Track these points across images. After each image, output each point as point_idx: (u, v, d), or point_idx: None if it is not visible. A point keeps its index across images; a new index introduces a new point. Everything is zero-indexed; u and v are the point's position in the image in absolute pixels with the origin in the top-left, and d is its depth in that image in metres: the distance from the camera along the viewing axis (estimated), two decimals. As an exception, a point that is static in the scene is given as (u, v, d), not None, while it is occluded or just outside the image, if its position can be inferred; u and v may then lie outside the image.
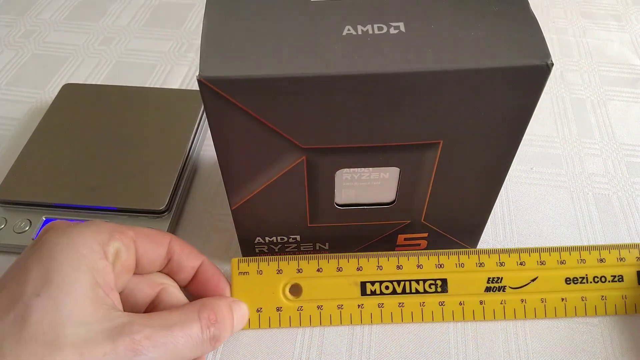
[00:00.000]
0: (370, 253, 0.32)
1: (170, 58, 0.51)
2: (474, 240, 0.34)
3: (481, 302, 0.32)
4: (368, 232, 0.33)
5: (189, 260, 0.30)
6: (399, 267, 0.32)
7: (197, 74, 0.22)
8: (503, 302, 0.32)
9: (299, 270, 0.32)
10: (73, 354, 0.22)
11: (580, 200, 0.39)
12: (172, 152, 0.38)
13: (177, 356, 0.25)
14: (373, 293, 0.32)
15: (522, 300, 0.32)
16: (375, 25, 0.24)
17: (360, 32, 0.23)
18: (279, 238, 0.33)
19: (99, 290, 0.24)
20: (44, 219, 0.36)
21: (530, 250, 0.32)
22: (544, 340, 0.31)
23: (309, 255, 0.32)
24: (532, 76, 0.23)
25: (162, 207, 0.35)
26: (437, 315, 0.31)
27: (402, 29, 0.24)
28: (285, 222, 0.31)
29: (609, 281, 0.32)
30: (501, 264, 0.32)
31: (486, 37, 0.23)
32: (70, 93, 0.43)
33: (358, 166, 0.28)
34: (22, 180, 0.36)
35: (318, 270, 0.32)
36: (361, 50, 0.23)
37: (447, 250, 0.32)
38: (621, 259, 0.32)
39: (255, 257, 0.32)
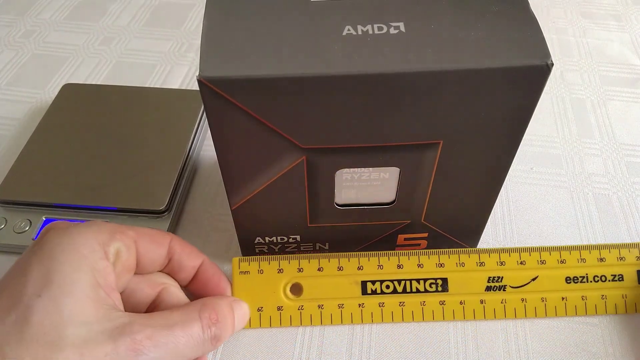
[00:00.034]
0: (371, 252, 0.32)
1: (170, 58, 0.51)
2: (474, 240, 0.34)
3: (482, 302, 0.32)
4: (368, 232, 0.33)
5: (190, 259, 0.30)
6: (399, 266, 0.32)
7: (197, 74, 0.22)
8: (503, 301, 0.32)
9: (300, 270, 0.32)
10: (74, 354, 0.22)
11: (580, 200, 0.39)
12: (172, 152, 0.38)
13: (178, 356, 0.25)
14: (374, 292, 0.32)
15: (522, 300, 0.32)
16: (375, 25, 0.24)
17: (360, 32, 0.23)
18: (279, 238, 0.33)
19: (99, 290, 0.24)
20: (44, 219, 0.36)
21: (530, 250, 0.32)
22: (544, 340, 0.31)
23: (310, 254, 0.32)
24: (532, 76, 0.23)
25: (162, 207, 0.35)
26: (437, 315, 0.32)
27: (402, 29, 0.24)
28: (285, 222, 0.31)
29: (609, 280, 0.32)
30: (501, 263, 0.32)
31: (486, 37, 0.23)
32: (70, 93, 0.43)
33: (358, 166, 0.28)
34: (22, 180, 0.36)
35: (319, 269, 0.32)
36: (361, 50, 0.23)
37: (447, 250, 0.32)
38: (621, 258, 0.32)
39: (256, 257, 0.32)
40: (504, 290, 0.32)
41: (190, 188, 0.40)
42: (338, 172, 0.28)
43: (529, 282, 0.32)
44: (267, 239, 0.33)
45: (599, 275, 0.32)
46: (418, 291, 0.32)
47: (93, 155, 0.38)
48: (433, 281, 0.32)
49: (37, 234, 0.35)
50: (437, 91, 0.23)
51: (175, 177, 0.37)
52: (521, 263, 0.32)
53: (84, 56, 0.51)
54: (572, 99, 0.46)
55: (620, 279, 0.32)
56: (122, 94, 0.42)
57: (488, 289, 0.32)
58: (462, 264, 0.32)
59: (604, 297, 0.32)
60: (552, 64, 0.22)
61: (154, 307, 0.28)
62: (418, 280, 0.32)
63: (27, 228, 0.35)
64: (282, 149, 0.26)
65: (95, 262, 0.24)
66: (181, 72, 0.49)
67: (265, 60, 0.23)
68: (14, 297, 0.23)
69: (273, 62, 0.22)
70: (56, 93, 0.44)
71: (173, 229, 0.37)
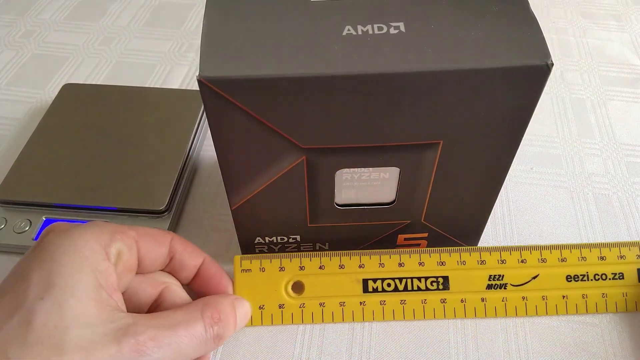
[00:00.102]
0: (372, 251, 0.32)
1: (170, 58, 0.51)
2: (474, 240, 0.34)
3: (482, 300, 0.32)
4: (368, 232, 0.33)
5: (191, 258, 0.30)
6: (400, 264, 0.32)
7: (197, 74, 0.22)
8: (504, 299, 0.32)
9: (301, 268, 0.32)
10: (78, 356, 0.22)
11: (580, 200, 0.39)
12: (172, 152, 0.38)
13: (182, 355, 0.25)
14: (375, 290, 0.32)
15: (523, 298, 0.32)
16: (375, 25, 0.24)
17: (360, 32, 0.23)
18: (279, 238, 0.33)
19: (102, 291, 0.24)
20: (44, 219, 0.36)
21: (531, 248, 0.32)
22: (544, 339, 0.31)
23: (311, 252, 0.32)
24: (532, 76, 0.23)
25: (162, 207, 0.35)
26: (438, 313, 0.32)
27: (402, 29, 0.24)
28: (285, 222, 0.31)
29: (609, 279, 0.32)
30: (502, 262, 0.32)
31: (486, 37, 0.23)
32: (70, 93, 0.43)
33: (358, 166, 0.28)
34: (22, 180, 0.36)
35: (320, 267, 0.32)
36: (361, 50, 0.23)
37: (448, 248, 0.32)
38: (621, 257, 0.32)
39: (257, 255, 0.32)
40: (504, 288, 0.32)
41: (190, 188, 0.40)
42: (338, 172, 0.28)
43: (529, 281, 0.32)
44: (267, 239, 0.33)
45: (600, 274, 0.32)
46: (419, 289, 0.32)
47: (93, 155, 0.38)
48: (434, 279, 0.32)
49: (37, 234, 0.35)
50: (437, 91, 0.23)
51: (175, 177, 0.37)
52: (522, 261, 0.32)
53: (84, 56, 0.51)
54: (572, 99, 0.46)
55: (621, 277, 0.32)
56: (122, 94, 0.42)
57: (489, 287, 0.32)
58: (463, 262, 0.32)
59: (605, 295, 0.32)
60: (552, 64, 0.22)
61: (156, 306, 0.28)
62: (419, 279, 0.32)
63: (27, 228, 0.35)
64: (282, 149, 0.26)
65: (97, 263, 0.24)
66: (181, 72, 0.49)
67: (265, 60, 0.23)
68: (17, 301, 0.23)
69: (273, 62, 0.22)
70: (56, 93, 0.44)
71: (173, 229, 0.37)
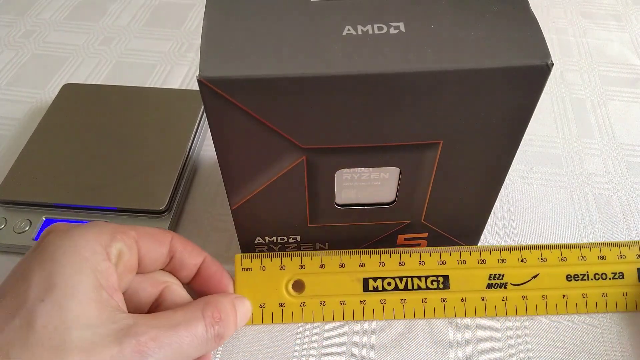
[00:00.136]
0: (373, 250, 0.32)
1: (170, 58, 0.51)
2: (474, 240, 0.34)
3: (483, 299, 0.32)
4: (368, 232, 0.33)
5: (191, 257, 0.30)
6: (401, 263, 0.32)
7: (197, 74, 0.22)
8: (504, 298, 0.32)
9: (302, 267, 0.32)
10: (79, 358, 0.22)
11: (580, 200, 0.39)
12: (172, 152, 0.38)
13: (183, 355, 0.25)
14: (375, 289, 0.32)
15: (523, 297, 0.32)
16: (375, 25, 0.24)
17: (360, 32, 0.23)
18: (279, 238, 0.33)
19: (102, 292, 0.24)
20: (44, 219, 0.36)
21: (531, 247, 0.32)
22: (544, 339, 0.31)
23: (312, 251, 0.32)
24: (532, 76, 0.23)
25: (162, 207, 0.35)
26: (439, 312, 0.32)
27: (402, 29, 0.24)
28: (285, 222, 0.31)
29: (609, 278, 0.32)
30: (502, 261, 0.32)
31: (486, 37, 0.23)
32: (70, 93, 0.43)
33: (358, 166, 0.28)
34: (22, 180, 0.36)
35: (321, 266, 0.32)
36: (361, 50, 0.23)
37: (448, 247, 0.32)
38: (621, 257, 0.32)
39: (258, 254, 0.32)
40: (505, 287, 0.32)
41: (190, 188, 0.40)
42: (338, 172, 0.28)
43: (529, 280, 0.32)
44: (267, 239, 0.33)
45: (600, 273, 0.32)
46: (419, 288, 0.32)
47: (93, 155, 0.38)
48: (434, 278, 0.32)
49: (37, 234, 0.35)
50: (437, 91, 0.23)
51: (175, 177, 0.37)
52: (522, 261, 0.32)
53: (84, 56, 0.51)
54: (572, 99, 0.46)
55: (621, 276, 0.32)
56: (122, 94, 0.42)
57: (489, 286, 0.32)
58: (464, 262, 0.32)
59: (605, 295, 0.32)
60: (552, 64, 0.22)
61: (156, 305, 0.28)
62: (419, 278, 0.32)
63: (27, 228, 0.35)
64: (282, 149, 0.26)
65: (97, 264, 0.24)
66: (181, 72, 0.49)
67: (265, 60, 0.23)
68: (17, 302, 0.23)
69: (273, 62, 0.22)
70: (56, 93, 0.44)
71: (173, 229, 0.37)
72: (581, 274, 0.32)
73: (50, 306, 0.22)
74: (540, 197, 0.39)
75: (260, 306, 0.31)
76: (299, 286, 0.32)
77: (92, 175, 0.37)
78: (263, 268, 0.32)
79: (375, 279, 0.32)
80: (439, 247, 0.32)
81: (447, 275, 0.32)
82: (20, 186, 0.36)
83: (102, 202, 0.35)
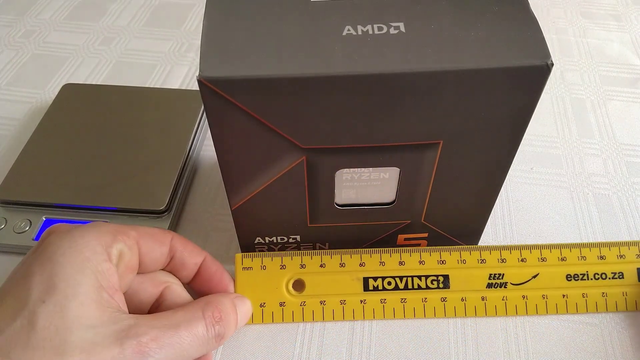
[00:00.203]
0: (373, 249, 0.32)
1: (170, 58, 0.51)
2: (474, 240, 0.34)
3: (483, 298, 0.32)
4: (368, 232, 0.33)
5: (192, 257, 0.30)
6: (401, 263, 0.32)
7: (197, 74, 0.22)
8: (504, 298, 0.32)
9: (302, 266, 0.32)
10: (81, 358, 0.22)
11: (580, 200, 0.39)
12: (172, 152, 0.38)
13: (183, 355, 0.25)
14: (375, 289, 0.32)
15: (523, 297, 0.32)
16: (375, 25, 0.24)
17: (360, 32, 0.23)
18: (279, 238, 0.33)
19: (103, 293, 0.24)
20: (44, 219, 0.36)
21: (531, 247, 0.32)
22: (544, 339, 0.31)
23: (312, 251, 0.32)
24: (532, 76, 0.23)
25: (162, 207, 0.35)
26: (439, 311, 0.32)
27: (402, 29, 0.24)
28: (285, 222, 0.31)
29: (609, 278, 0.32)
30: (502, 261, 0.32)
31: (486, 37, 0.23)
32: (70, 93, 0.43)
33: (358, 166, 0.28)
34: (22, 180, 0.36)
35: (321, 265, 0.32)
36: (361, 51, 0.23)
37: (448, 247, 0.32)
38: (621, 256, 0.32)
39: (259, 253, 0.32)
40: (505, 287, 0.32)
41: (190, 188, 0.40)
42: (338, 172, 0.28)
43: (529, 280, 0.32)
44: (267, 239, 0.33)
45: (600, 273, 0.32)
46: (420, 288, 0.32)
47: (93, 155, 0.38)
48: (434, 278, 0.32)
49: (37, 234, 0.35)
50: (437, 91, 0.23)
51: (175, 177, 0.37)
52: (522, 260, 0.32)
53: (84, 56, 0.51)
54: (572, 99, 0.46)
55: (621, 276, 0.32)
56: (122, 94, 0.42)
57: (489, 286, 0.32)
58: (464, 261, 0.32)
59: (605, 294, 0.32)
60: (552, 64, 0.22)
61: (157, 305, 0.28)
62: (420, 277, 0.32)
63: (27, 228, 0.35)
64: (282, 149, 0.26)
65: (98, 264, 0.24)
66: (181, 72, 0.49)
67: (266, 60, 0.23)
68: (19, 303, 0.23)
69: (273, 62, 0.22)
70: (56, 93, 0.44)
71: (173, 229, 0.37)
72: (581, 274, 0.32)
73: (51, 307, 0.22)
74: (540, 197, 0.39)
75: (261, 305, 0.31)
76: (299, 285, 0.32)
77: (92, 175, 0.37)
78: (263, 267, 0.32)
79: (375, 279, 0.32)
80: (439, 247, 0.32)
81: (447, 275, 0.32)
82: (20, 186, 0.36)
83: (102, 202, 0.35)
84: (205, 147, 0.42)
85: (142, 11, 0.56)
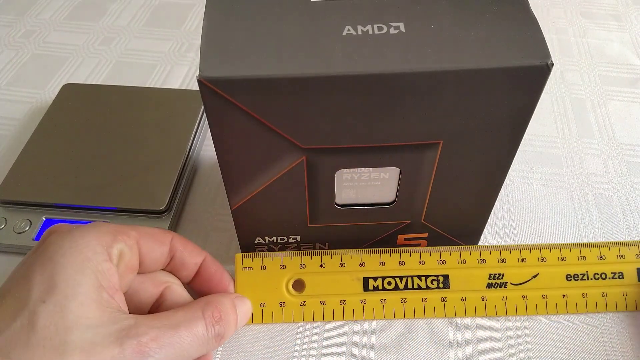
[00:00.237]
0: (373, 249, 0.32)
1: (170, 58, 0.51)
2: (474, 240, 0.34)
3: (483, 298, 0.32)
4: (368, 232, 0.33)
5: (192, 257, 0.30)
6: (401, 263, 0.32)
7: (197, 74, 0.22)
8: (504, 298, 0.32)
9: (302, 266, 0.32)
10: (81, 358, 0.22)
11: (580, 200, 0.39)
12: (172, 152, 0.38)
13: (183, 355, 0.25)
14: (375, 289, 0.32)
15: (523, 297, 0.32)
16: (375, 25, 0.24)
17: (360, 32, 0.23)
18: (279, 238, 0.33)
19: (103, 293, 0.24)
20: (44, 219, 0.36)
21: (531, 247, 0.32)
22: (544, 339, 0.31)
23: (312, 250, 0.32)
24: (532, 76, 0.23)
25: (162, 207, 0.35)
26: (439, 311, 0.32)
27: (402, 29, 0.24)
28: (285, 222, 0.31)
29: (609, 278, 0.32)
30: (502, 261, 0.32)
31: (486, 37, 0.23)
32: (70, 93, 0.43)
33: (358, 166, 0.28)
34: (22, 180, 0.36)
35: (321, 265, 0.32)
36: (361, 51, 0.23)
37: (448, 247, 0.32)
38: (621, 256, 0.32)
39: (259, 253, 0.32)
40: (504, 287, 0.32)
41: (190, 188, 0.40)
42: (338, 172, 0.28)
43: (529, 280, 0.32)
44: (267, 239, 0.33)
45: (599, 273, 0.32)
46: (420, 288, 0.32)
47: (93, 155, 0.38)
48: (434, 278, 0.32)
49: (38, 234, 0.35)
50: (437, 91, 0.23)
51: (175, 177, 0.37)
52: (522, 260, 0.32)
53: (84, 56, 0.51)
54: (572, 99, 0.46)
55: (621, 276, 0.32)
56: (122, 94, 0.42)
57: (489, 285, 0.32)
58: (464, 261, 0.32)
59: (605, 294, 0.32)
60: (552, 64, 0.22)
61: (157, 305, 0.28)
62: (420, 277, 0.32)
63: (27, 228, 0.35)
64: (282, 149, 0.26)
65: (99, 264, 0.24)
66: (181, 72, 0.49)
67: (266, 60, 0.23)
68: (19, 303, 0.23)
69: (273, 62, 0.22)
70: (56, 93, 0.44)
71: (173, 229, 0.37)
72: (581, 274, 0.32)
73: (51, 307, 0.22)
74: (540, 197, 0.39)
75: (261, 305, 0.31)
76: (299, 285, 0.32)
77: (92, 175, 0.37)
78: (263, 267, 0.32)
79: (375, 279, 0.32)
80: (439, 247, 0.32)
81: (447, 275, 0.32)
82: (20, 186, 0.36)
83: (102, 202, 0.35)
84: (205, 147, 0.42)
85: (142, 11, 0.56)
